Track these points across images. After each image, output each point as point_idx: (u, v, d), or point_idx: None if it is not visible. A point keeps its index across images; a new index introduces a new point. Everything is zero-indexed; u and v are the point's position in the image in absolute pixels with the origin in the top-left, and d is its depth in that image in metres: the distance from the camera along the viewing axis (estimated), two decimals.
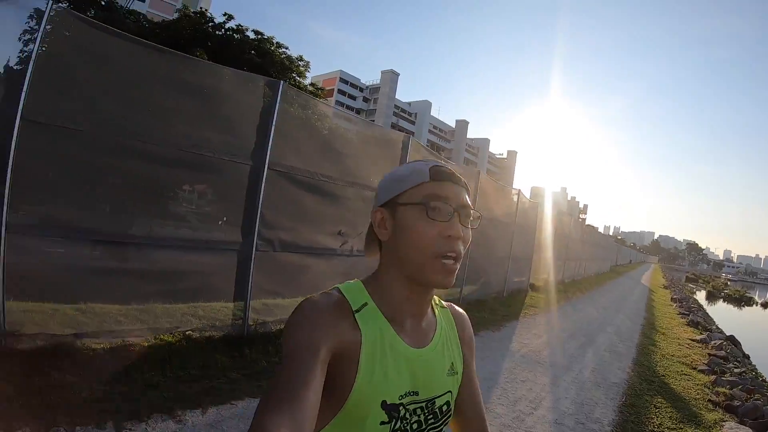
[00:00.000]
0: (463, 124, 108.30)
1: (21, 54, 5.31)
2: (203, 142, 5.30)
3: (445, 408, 1.07)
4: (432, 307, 1.14)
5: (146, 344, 4.77)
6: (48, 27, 6.26)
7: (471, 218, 1.02)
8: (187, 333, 5.19)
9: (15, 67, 4.70)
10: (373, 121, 75.19)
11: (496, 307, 10.61)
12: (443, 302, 1.20)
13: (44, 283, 4.70)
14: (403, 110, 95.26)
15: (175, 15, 26.02)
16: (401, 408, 0.98)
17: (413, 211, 0.98)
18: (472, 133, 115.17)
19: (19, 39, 5.01)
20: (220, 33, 24.71)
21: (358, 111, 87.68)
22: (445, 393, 1.08)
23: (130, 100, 5.14)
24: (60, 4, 17.61)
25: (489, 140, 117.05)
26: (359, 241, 7.13)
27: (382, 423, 0.95)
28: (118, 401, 3.65)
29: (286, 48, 26.32)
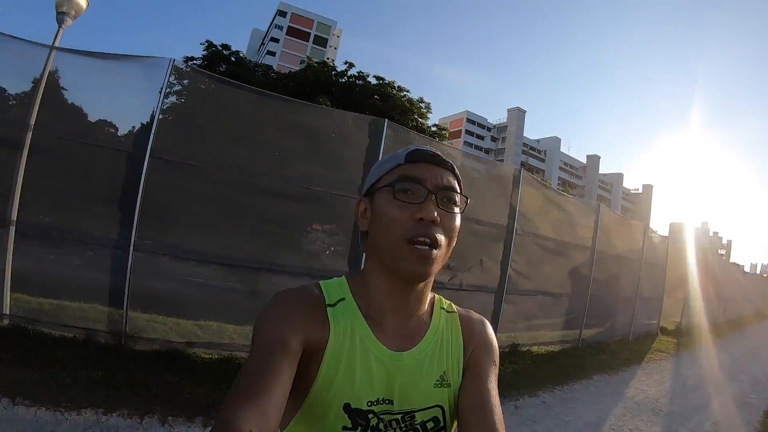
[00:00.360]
0: (594, 160, 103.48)
1: (162, 104, 6.14)
2: (314, 177, 5.75)
3: (431, 425, 0.94)
4: (433, 310, 1.03)
5: None
6: (185, 81, 7.27)
7: (455, 202, 0.93)
8: None
9: (156, 115, 5.29)
10: (502, 160, 74.38)
11: (618, 351, 9.82)
12: (456, 307, 1.08)
13: (171, 299, 5.32)
14: (532, 148, 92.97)
15: (301, 66, 27.91)
16: (371, 416, 0.89)
17: (384, 195, 0.92)
18: (604, 168, 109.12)
19: (160, 91, 5.71)
20: (344, 80, 26.07)
21: (487, 151, 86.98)
22: (431, 407, 0.94)
23: (248, 141, 5.80)
24: (194, 61, 19.60)
25: (622, 175, 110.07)
26: (469, 276, 7.10)
27: (345, 428, 0.87)
28: (213, 402, 4.01)
29: (407, 91, 26.99)
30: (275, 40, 72.52)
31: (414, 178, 0.90)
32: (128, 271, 4.73)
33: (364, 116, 6.58)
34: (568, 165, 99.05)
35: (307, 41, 72.21)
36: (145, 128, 5.10)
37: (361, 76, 26.40)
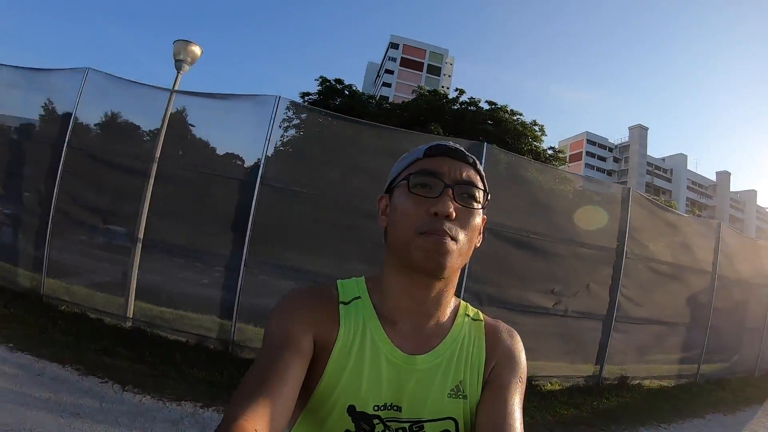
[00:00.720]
0: (724, 176, 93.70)
1: (282, 138, 6.77)
2: None
3: None
4: (456, 316, 0.98)
5: None
6: (303, 116, 7.91)
7: (475, 198, 0.89)
8: None
9: (265, 146, 5.81)
10: (625, 182, 70.05)
11: (739, 388, 8.84)
12: (484, 316, 1.02)
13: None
14: (657, 167, 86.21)
15: (413, 96, 28.55)
16: (377, 421, 0.85)
17: (400, 189, 0.89)
18: (736, 185, 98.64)
19: (280, 126, 6.32)
20: (456, 107, 26.41)
21: (610, 173, 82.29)
22: (443, 419, 0.88)
23: (352, 167, 6.23)
24: (310, 96, 20.93)
25: (756, 192, 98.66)
26: (575, 301, 6.90)
27: None
28: None
29: (520, 114, 26.92)
30: (390, 72, 74.16)
31: (431, 171, 0.87)
32: (238, 286, 5.28)
33: (462, 141, 6.74)
34: (697, 184, 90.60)
35: (421, 71, 73.09)
36: (256, 158, 5.67)
37: (472, 102, 26.68)
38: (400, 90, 66.94)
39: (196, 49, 5.76)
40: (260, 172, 5.46)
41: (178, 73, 5.72)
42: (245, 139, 6.15)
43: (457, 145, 0.91)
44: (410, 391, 0.87)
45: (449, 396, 0.88)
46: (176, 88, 5.80)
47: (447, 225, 0.83)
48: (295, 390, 0.78)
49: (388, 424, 0.85)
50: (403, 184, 0.89)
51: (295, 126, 8.07)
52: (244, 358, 5.17)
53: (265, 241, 5.62)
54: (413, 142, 6.47)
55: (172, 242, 5.93)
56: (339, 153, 6.29)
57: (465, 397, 0.89)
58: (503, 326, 1.00)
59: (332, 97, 25.45)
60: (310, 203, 5.86)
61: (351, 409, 0.84)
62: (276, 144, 6.20)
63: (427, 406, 0.87)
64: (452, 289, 0.94)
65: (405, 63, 73.68)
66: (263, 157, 5.52)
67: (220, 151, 6.67)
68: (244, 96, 5.89)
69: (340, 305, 0.90)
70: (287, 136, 8.21)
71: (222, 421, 0.68)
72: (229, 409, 0.70)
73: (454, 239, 0.83)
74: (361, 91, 29.83)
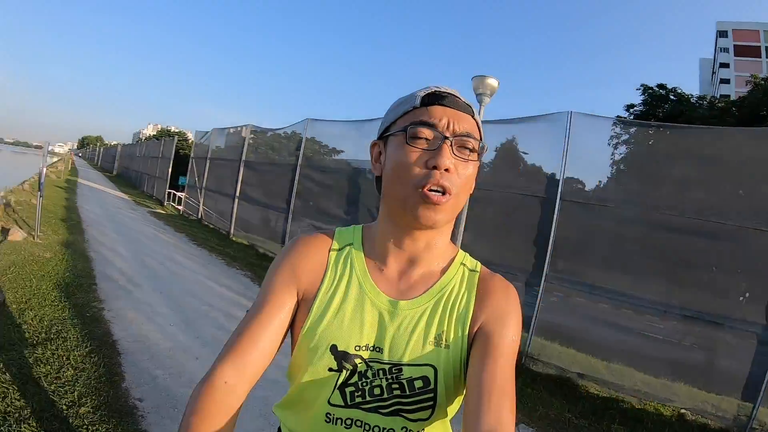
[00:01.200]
0: None
1: (612, 156, 6.88)
2: (722, 209, 5.13)
3: (419, 384, 0.88)
4: (450, 265, 0.97)
5: (636, 406, 5.02)
6: (633, 130, 7.52)
7: (472, 149, 0.87)
8: (681, 411, 4.99)
9: (563, 162, 5.91)
10: None
11: None
12: (483, 268, 0.99)
13: (575, 332, 5.79)
14: None
15: (747, 87, 24.12)
16: (359, 361, 0.89)
17: (397, 140, 0.88)
18: None
19: (608, 143, 6.56)
20: None
21: None
22: (422, 365, 0.88)
23: (650, 175, 5.82)
24: (636, 108, 19.66)
25: None
26: None
27: (331, 370, 0.89)
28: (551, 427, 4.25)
29: None
30: (725, 65, 64.23)
31: (428, 122, 0.84)
32: (538, 298, 5.54)
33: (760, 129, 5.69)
34: None
35: (760, 57, 61.69)
36: (556, 175, 5.82)
37: None
38: (740, 84, 56.99)
39: (493, 82, 6.14)
40: (560, 189, 5.60)
41: (481, 105, 6.23)
42: (548, 157, 6.24)
43: (455, 92, 0.89)
44: (392, 335, 0.89)
45: (430, 343, 0.88)
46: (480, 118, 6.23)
47: (445, 177, 0.83)
48: (272, 343, 0.87)
49: (370, 364, 0.88)
50: (399, 135, 0.87)
51: (624, 141, 7.83)
52: (535, 371, 5.36)
53: (564, 256, 5.72)
54: (723, 142, 5.67)
55: (482, 257, 6.35)
56: (641, 162, 6.04)
57: (447, 347, 0.89)
58: (499, 281, 0.96)
59: (659, 104, 23.32)
60: (609, 216, 5.67)
61: (333, 348, 0.88)
62: (569, 160, 6.08)
63: (407, 351, 0.88)
64: (445, 237, 0.96)
65: (739, 51, 62.89)
66: (562, 174, 5.63)
67: (520, 172, 6.87)
68: (537, 117, 6.15)
69: (331, 252, 0.96)
70: (618, 154, 7.73)
71: (206, 373, 0.83)
72: (213, 365, 0.83)
73: (450, 193, 0.84)
74: (697, 93, 26.22)
